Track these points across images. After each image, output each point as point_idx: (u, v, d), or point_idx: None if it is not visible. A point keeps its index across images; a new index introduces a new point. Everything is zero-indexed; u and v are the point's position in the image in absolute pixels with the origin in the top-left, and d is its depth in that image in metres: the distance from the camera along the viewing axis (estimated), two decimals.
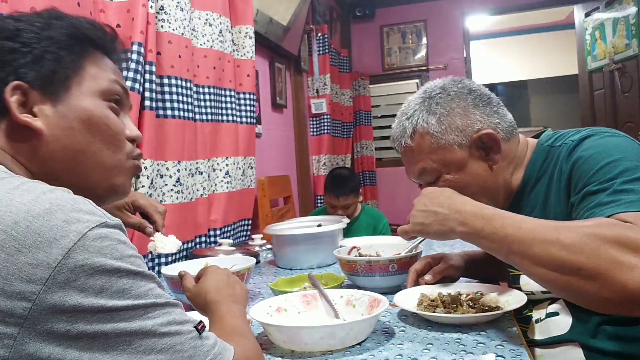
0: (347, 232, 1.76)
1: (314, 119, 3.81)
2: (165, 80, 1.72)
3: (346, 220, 1.81)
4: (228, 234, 2.12)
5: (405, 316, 1.05)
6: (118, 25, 1.53)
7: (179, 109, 1.77)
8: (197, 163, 1.91)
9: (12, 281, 0.50)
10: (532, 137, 1.11)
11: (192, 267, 1.33)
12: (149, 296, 0.57)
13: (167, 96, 1.73)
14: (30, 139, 0.67)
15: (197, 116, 1.95)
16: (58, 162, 0.68)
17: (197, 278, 0.93)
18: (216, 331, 0.74)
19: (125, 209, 1.13)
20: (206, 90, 2.02)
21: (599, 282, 0.70)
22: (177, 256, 1.77)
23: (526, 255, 0.78)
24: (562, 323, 0.96)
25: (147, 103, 1.62)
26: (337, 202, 2.57)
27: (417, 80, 4.93)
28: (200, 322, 0.62)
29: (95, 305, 0.52)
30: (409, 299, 1.05)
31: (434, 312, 1.00)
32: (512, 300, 1.01)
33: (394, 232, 2.75)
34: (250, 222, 2.33)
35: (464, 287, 1.12)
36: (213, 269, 0.94)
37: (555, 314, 0.98)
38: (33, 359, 0.51)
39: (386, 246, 1.43)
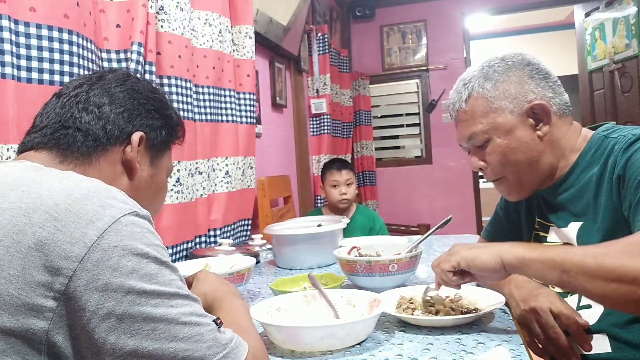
0: (343, 233, 1.76)
1: (314, 119, 3.80)
2: (165, 80, 1.72)
3: (346, 220, 1.81)
4: (228, 234, 2.11)
5: None
6: (118, 25, 1.54)
7: (178, 109, 1.77)
8: (196, 163, 1.91)
9: (52, 257, 0.54)
10: (589, 127, 1.12)
11: (192, 267, 1.34)
12: (172, 285, 0.60)
13: (167, 96, 1.72)
14: (120, 175, 0.78)
15: (197, 116, 1.95)
16: None
17: (187, 284, 0.94)
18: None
19: None
20: (205, 90, 2.01)
21: None
22: (177, 256, 1.77)
23: (580, 270, 0.76)
24: (593, 314, 0.96)
25: None
26: (340, 176, 2.58)
27: (417, 80, 4.93)
28: (218, 317, 0.65)
29: (125, 286, 0.56)
30: (388, 301, 1.05)
31: (412, 314, 1.01)
32: (490, 301, 1.01)
33: (391, 232, 2.75)
34: (250, 222, 2.33)
35: (443, 289, 1.12)
36: (203, 272, 0.97)
37: (589, 306, 0.98)
38: (69, 334, 0.55)
39: (386, 246, 1.43)
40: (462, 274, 0.95)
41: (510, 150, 1.05)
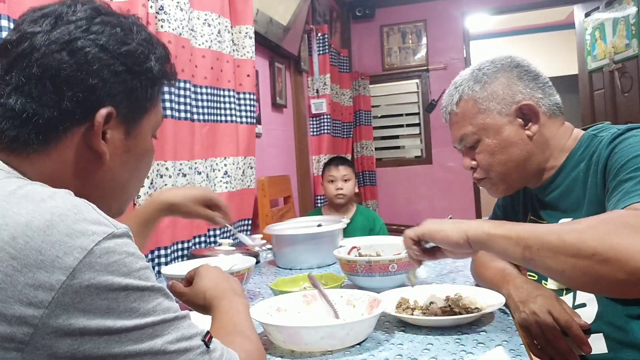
0: (343, 234, 1.76)
1: (314, 119, 3.80)
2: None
3: (346, 220, 1.81)
4: (228, 234, 2.12)
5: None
6: None
7: (177, 110, 1.77)
8: (195, 163, 1.91)
9: (11, 304, 0.46)
10: (583, 128, 1.12)
11: (192, 267, 1.33)
12: (157, 312, 0.54)
13: (166, 96, 1.72)
14: (88, 161, 0.64)
15: (196, 116, 1.95)
16: (99, 189, 0.66)
17: (187, 280, 0.92)
18: (219, 330, 0.74)
19: (199, 203, 1.19)
20: (204, 90, 2.01)
21: (614, 264, 0.70)
22: (177, 255, 1.77)
23: (543, 245, 0.77)
24: (589, 314, 0.96)
25: None
26: (337, 172, 2.60)
27: (417, 80, 4.93)
28: (208, 332, 0.60)
29: (102, 327, 0.49)
30: (388, 301, 1.05)
31: (412, 314, 1.01)
32: (490, 301, 1.01)
33: (391, 233, 2.75)
34: (250, 222, 2.33)
35: (442, 289, 1.12)
36: (204, 267, 0.93)
37: (583, 305, 0.98)
38: None
39: (386, 246, 1.43)
40: (434, 252, 0.94)
41: (499, 150, 1.07)
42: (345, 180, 2.60)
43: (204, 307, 0.86)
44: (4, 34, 1.13)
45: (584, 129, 1.10)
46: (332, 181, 2.62)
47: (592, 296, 0.98)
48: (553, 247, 0.75)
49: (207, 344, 0.58)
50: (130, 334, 0.51)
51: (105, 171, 0.65)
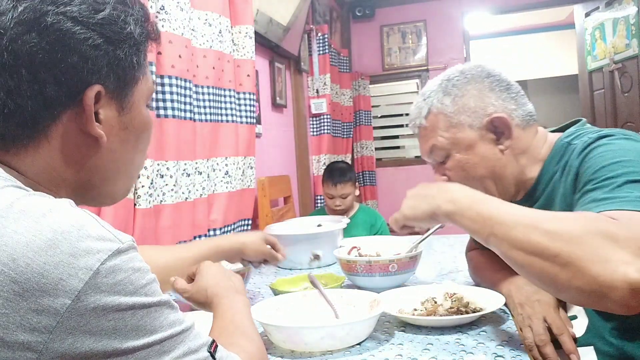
0: (344, 230, 1.76)
1: (314, 119, 3.81)
2: (166, 80, 1.72)
3: (346, 221, 1.81)
4: (228, 234, 2.11)
5: None
6: None
7: (179, 109, 1.77)
8: (196, 163, 1.91)
9: (13, 330, 0.44)
10: (558, 128, 1.10)
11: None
12: (164, 327, 0.52)
13: (167, 96, 1.72)
14: (84, 147, 0.59)
15: (197, 116, 1.95)
16: (100, 172, 0.62)
17: (190, 277, 0.93)
18: (220, 330, 0.74)
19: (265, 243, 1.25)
20: (205, 90, 2.01)
21: (573, 270, 0.69)
22: None
23: (506, 237, 0.77)
24: (579, 326, 0.96)
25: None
26: (335, 191, 2.62)
27: (417, 80, 4.93)
28: (213, 341, 0.59)
29: (109, 349, 0.48)
30: (388, 301, 1.05)
31: (413, 315, 1.01)
32: (492, 301, 1.02)
33: (392, 232, 2.76)
34: (250, 222, 2.33)
35: (443, 288, 1.12)
36: (206, 264, 0.93)
37: (574, 317, 0.98)
38: None
39: (386, 246, 1.43)
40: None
41: (471, 166, 1.04)
42: (344, 198, 2.63)
43: (206, 305, 0.86)
44: None
45: (559, 129, 1.08)
46: (330, 197, 2.65)
47: (580, 308, 0.98)
48: (517, 242, 0.75)
49: (212, 355, 0.57)
50: (137, 353, 0.50)
51: (104, 154, 0.61)
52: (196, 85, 1.95)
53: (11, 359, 0.44)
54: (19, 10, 0.53)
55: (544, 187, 1.03)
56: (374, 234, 2.60)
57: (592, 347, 0.94)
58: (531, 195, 1.05)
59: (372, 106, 4.96)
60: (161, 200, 1.70)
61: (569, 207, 0.93)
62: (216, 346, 0.59)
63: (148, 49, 0.65)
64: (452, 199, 0.87)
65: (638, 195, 0.76)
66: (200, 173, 1.94)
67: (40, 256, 0.45)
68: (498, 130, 1.02)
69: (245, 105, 2.31)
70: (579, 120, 1.07)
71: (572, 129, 1.04)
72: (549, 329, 0.90)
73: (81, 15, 0.55)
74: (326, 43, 3.82)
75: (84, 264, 0.46)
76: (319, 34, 3.80)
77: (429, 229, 1.13)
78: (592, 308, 0.88)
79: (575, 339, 0.92)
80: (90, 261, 0.47)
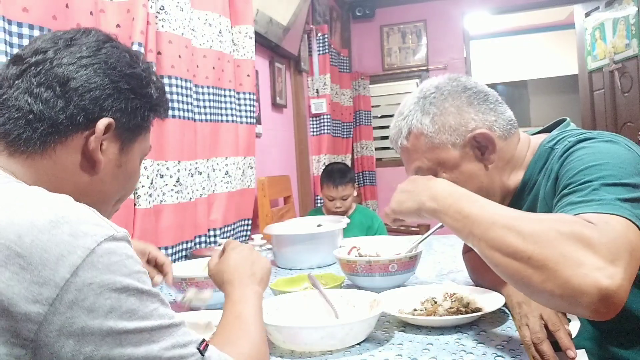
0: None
1: (314, 119, 3.81)
2: (166, 80, 1.72)
3: (346, 221, 1.81)
4: (228, 234, 2.12)
5: None
6: (118, 26, 1.53)
7: (179, 109, 1.77)
8: (196, 163, 1.91)
9: (17, 301, 0.48)
10: (543, 129, 1.10)
11: (192, 267, 1.34)
12: (154, 317, 0.55)
13: (168, 96, 1.72)
14: (82, 168, 0.67)
15: (197, 116, 1.95)
16: (84, 196, 0.65)
17: (222, 253, 0.93)
18: (224, 325, 0.75)
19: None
20: (205, 90, 2.02)
21: (545, 273, 0.70)
22: (177, 256, 1.77)
23: (483, 237, 0.78)
24: (573, 329, 0.96)
25: None
26: (337, 193, 2.61)
27: (417, 80, 4.93)
28: (203, 340, 0.61)
29: (105, 328, 0.51)
30: (388, 301, 1.05)
31: (413, 315, 1.01)
32: (492, 301, 1.02)
33: (391, 233, 2.75)
34: (250, 222, 2.33)
35: (443, 288, 1.12)
36: (233, 245, 0.93)
37: (568, 320, 0.98)
38: None
39: (386, 246, 1.43)
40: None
41: (459, 184, 1.00)
42: (344, 199, 2.63)
43: (221, 288, 0.87)
44: (0, 34, 1.13)
45: (544, 130, 1.08)
46: (331, 199, 2.65)
47: None
48: (494, 243, 0.76)
49: (201, 352, 0.59)
50: (130, 336, 0.52)
51: (94, 180, 0.68)
52: (196, 85, 1.95)
53: (15, 328, 0.48)
54: (69, 49, 0.67)
55: (528, 192, 1.03)
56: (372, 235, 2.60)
57: (584, 350, 0.94)
58: (517, 201, 1.05)
59: (372, 106, 4.96)
60: (161, 200, 1.70)
61: (549, 211, 0.93)
62: (206, 345, 0.60)
63: (153, 121, 0.76)
64: (435, 196, 0.88)
65: (614, 198, 0.76)
66: (200, 173, 1.94)
67: (44, 234, 0.50)
68: (481, 145, 1.01)
69: (245, 105, 2.31)
70: (563, 120, 1.06)
71: (555, 132, 1.03)
72: (546, 327, 0.90)
73: (116, 64, 0.68)
74: (326, 43, 3.82)
75: (82, 244, 0.51)
76: (319, 34, 3.80)
77: (429, 227, 1.13)
78: (564, 312, 0.88)
79: (571, 337, 0.92)
80: (88, 241, 0.52)
